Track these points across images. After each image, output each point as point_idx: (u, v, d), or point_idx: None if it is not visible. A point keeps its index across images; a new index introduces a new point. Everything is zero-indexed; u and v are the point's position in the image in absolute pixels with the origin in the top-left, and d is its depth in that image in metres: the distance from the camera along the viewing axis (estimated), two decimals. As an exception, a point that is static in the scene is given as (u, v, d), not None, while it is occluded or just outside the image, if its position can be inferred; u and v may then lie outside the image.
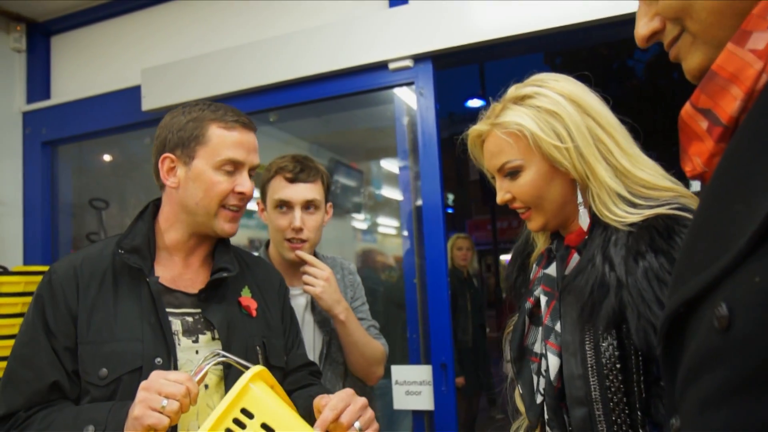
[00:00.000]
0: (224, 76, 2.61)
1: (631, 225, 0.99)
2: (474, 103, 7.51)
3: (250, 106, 2.62)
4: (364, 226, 4.99)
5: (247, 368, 1.07)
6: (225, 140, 1.27)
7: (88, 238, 3.30)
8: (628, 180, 1.03)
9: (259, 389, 1.01)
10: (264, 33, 2.67)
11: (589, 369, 0.98)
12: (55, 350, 1.18)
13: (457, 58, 2.37)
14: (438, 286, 2.19)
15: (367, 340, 1.70)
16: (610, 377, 0.96)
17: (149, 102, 2.75)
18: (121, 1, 3.00)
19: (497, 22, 2.17)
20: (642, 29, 0.67)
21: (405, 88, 2.45)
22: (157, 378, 1.04)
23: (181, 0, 2.93)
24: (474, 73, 9.62)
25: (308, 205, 1.67)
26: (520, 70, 1.19)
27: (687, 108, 0.61)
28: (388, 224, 4.79)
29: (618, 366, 0.96)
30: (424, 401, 2.17)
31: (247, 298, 1.37)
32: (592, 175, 1.04)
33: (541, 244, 1.23)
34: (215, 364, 1.16)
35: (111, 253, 1.28)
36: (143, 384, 1.05)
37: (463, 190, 11.64)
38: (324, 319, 1.71)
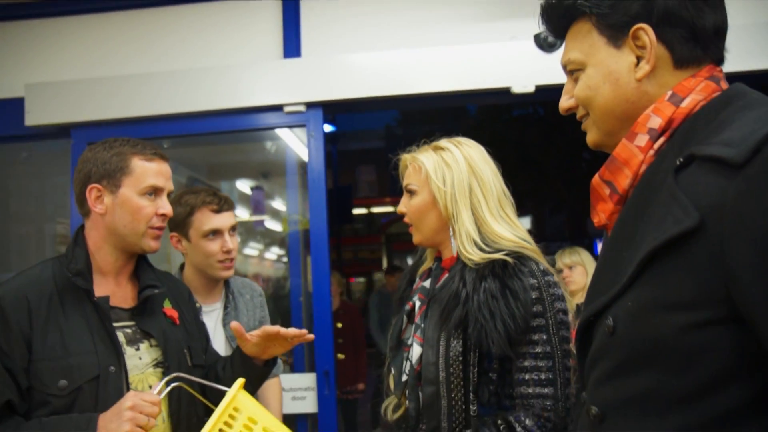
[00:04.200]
0: (122, 101, 2.70)
1: (478, 262, 1.39)
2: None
3: (145, 132, 2.74)
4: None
5: (199, 383, 1.35)
6: (147, 170, 1.49)
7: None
8: (485, 228, 1.44)
9: (243, 396, 1.30)
10: (162, 65, 2.82)
11: (440, 358, 1.36)
12: (9, 370, 1.31)
13: (345, 107, 2.76)
14: (321, 304, 2.54)
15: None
16: (454, 366, 1.35)
17: (34, 118, 2.74)
18: (6, 7, 2.92)
19: (379, 81, 2.61)
20: (564, 103, 0.94)
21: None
22: (137, 400, 1.27)
23: (73, 17, 2.94)
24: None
25: (232, 229, 1.95)
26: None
27: (596, 178, 0.88)
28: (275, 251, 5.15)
29: (460, 359, 1.34)
30: (309, 405, 2.49)
31: (169, 309, 1.59)
32: (458, 217, 1.44)
33: (427, 263, 1.62)
34: (167, 384, 1.38)
35: (51, 277, 1.44)
36: (128, 405, 1.26)
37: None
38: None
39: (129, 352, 1.45)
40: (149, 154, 1.51)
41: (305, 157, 2.71)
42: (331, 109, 2.75)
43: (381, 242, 12.02)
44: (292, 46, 2.77)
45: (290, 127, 2.76)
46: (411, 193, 1.52)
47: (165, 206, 1.52)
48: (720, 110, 0.77)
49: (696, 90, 0.81)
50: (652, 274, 0.71)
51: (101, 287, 1.48)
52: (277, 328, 1.45)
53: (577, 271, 2.89)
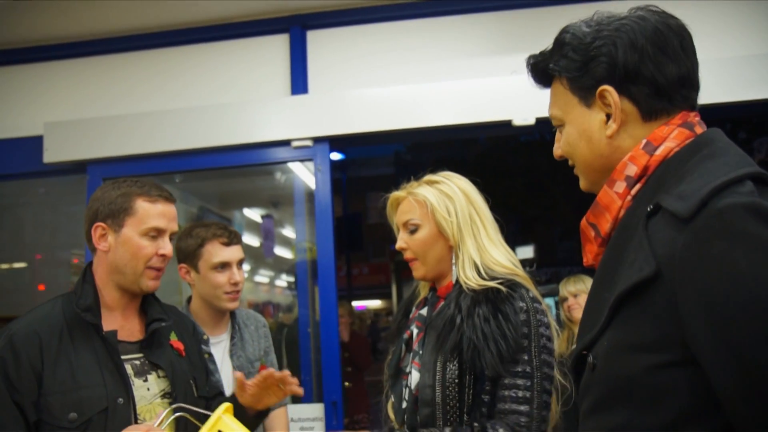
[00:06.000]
0: (136, 138, 2.81)
1: (474, 289, 1.44)
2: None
3: (158, 167, 2.84)
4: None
5: (201, 413, 1.38)
6: (150, 211, 1.55)
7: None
8: (485, 254, 1.51)
9: (228, 419, 1.32)
10: (174, 104, 2.93)
11: (437, 381, 1.41)
12: (18, 404, 1.36)
13: (351, 141, 2.84)
14: (329, 334, 2.58)
15: None
16: (450, 388, 1.40)
17: (52, 155, 2.85)
18: (27, 50, 3.06)
19: (384, 116, 2.69)
20: (555, 151, 1.03)
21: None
22: None
23: (88, 58, 3.07)
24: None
25: (240, 263, 2.02)
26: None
27: (583, 221, 0.95)
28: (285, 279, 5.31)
29: (456, 381, 1.40)
30: (317, 435, 2.51)
31: (176, 341, 1.65)
32: (462, 244, 1.51)
33: (423, 294, 1.68)
34: (171, 414, 1.41)
35: (61, 312, 1.50)
36: None
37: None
38: (241, 365, 2.01)
39: (137, 383, 1.50)
40: (154, 196, 1.56)
41: (313, 187, 2.79)
42: (337, 143, 2.83)
43: (390, 269, 12.03)
44: (299, 83, 2.87)
45: (298, 161, 2.84)
46: (414, 230, 1.57)
47: (166, 247, 1.57)
48: (689, 158, 0.82)
49: (669, 138, 0.86)
50: (622, 317, 0.77)
51: (109, 322, 1.54)
52: (271, 371, 1.56)
53: (582, 299, 2.91)
